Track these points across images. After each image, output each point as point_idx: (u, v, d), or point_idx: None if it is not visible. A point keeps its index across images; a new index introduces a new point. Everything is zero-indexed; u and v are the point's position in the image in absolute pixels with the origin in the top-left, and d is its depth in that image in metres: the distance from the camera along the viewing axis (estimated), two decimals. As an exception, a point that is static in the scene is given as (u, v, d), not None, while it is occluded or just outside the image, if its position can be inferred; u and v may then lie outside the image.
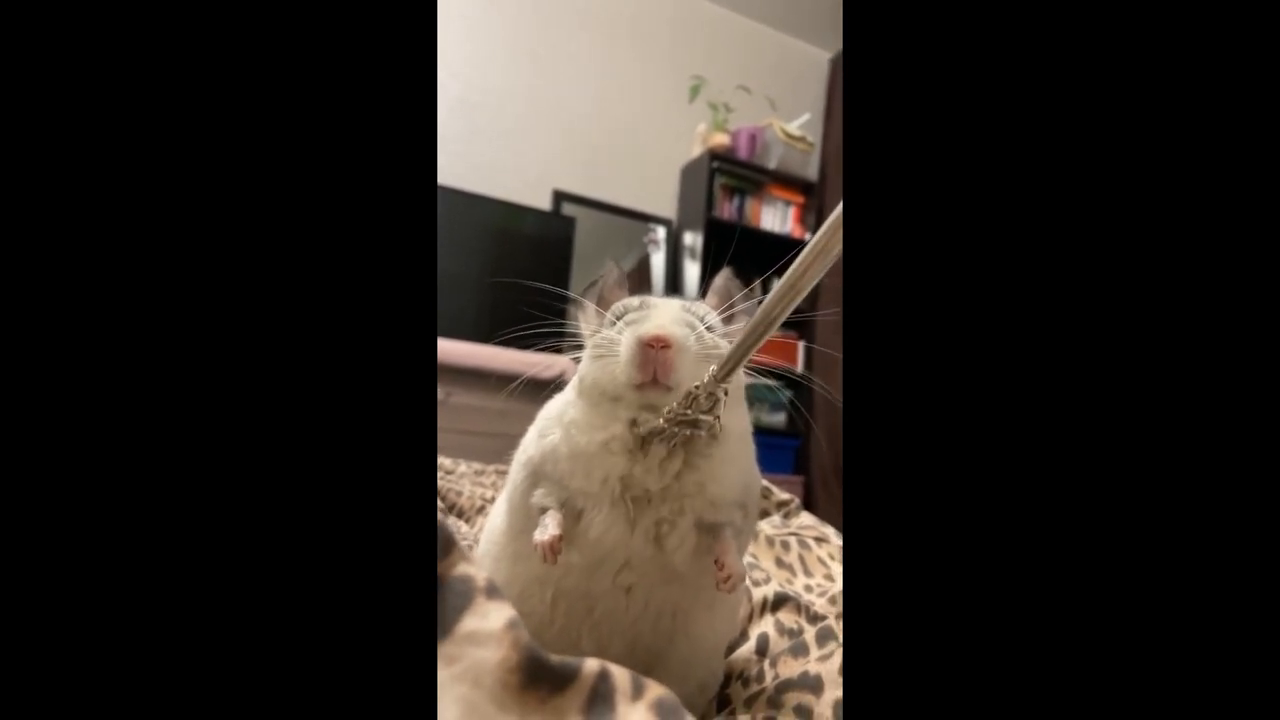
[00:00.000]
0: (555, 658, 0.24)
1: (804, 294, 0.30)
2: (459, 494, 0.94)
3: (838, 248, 0.28)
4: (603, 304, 0.41)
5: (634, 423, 0.36)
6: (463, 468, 1.19)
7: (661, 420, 0.35)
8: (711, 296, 0.43)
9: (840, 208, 0.27)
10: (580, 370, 0.39)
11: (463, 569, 0.25)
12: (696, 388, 0.34)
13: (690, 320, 0.37)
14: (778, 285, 0.31)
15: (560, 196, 2.40)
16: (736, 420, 0.39)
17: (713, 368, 0.34)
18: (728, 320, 0.40)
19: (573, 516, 0.37)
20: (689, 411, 0.34)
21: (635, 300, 0.39)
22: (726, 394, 0.34)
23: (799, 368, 2.21)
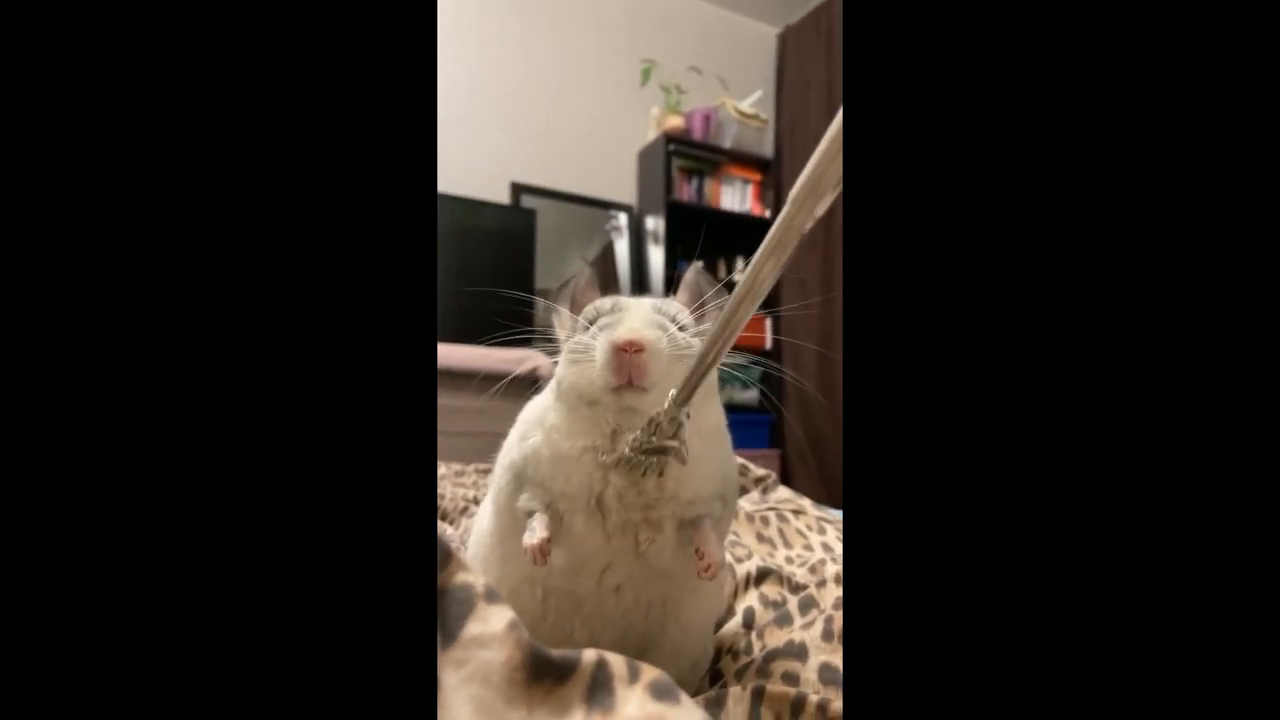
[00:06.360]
0: (556, 652, 0.26)
1: (760, 299, 0.29)
2: (441, 496, 0.94)
3: (791, 245, 0.27)
4: (575, 307, 0.42)
5: (601, 451, 0.36)
6: (442, 469, 1.19)
7: (628, 449, 0.35)
8: (682, 292, 0.43)
9: (787, 206, 0.26)
10: (558, 374, 0.39)
11: (462, 577, 0.27)
12: (658, 414, 0.34)
13: (662, 321, 0.37)
14: (732, 296, 0.30)
15: (519, 189, 2.38)
16: (710, 412, 0.40)
17: (672, 392, 0.34)
18: (699, 317, 0.40)
19: (559, 518, 0.38)
20: (654, 439, 0.34)
21: (607, 302, 0.40)
22: (689, 416, 0.34)
23: (768, 342, 2.24)
